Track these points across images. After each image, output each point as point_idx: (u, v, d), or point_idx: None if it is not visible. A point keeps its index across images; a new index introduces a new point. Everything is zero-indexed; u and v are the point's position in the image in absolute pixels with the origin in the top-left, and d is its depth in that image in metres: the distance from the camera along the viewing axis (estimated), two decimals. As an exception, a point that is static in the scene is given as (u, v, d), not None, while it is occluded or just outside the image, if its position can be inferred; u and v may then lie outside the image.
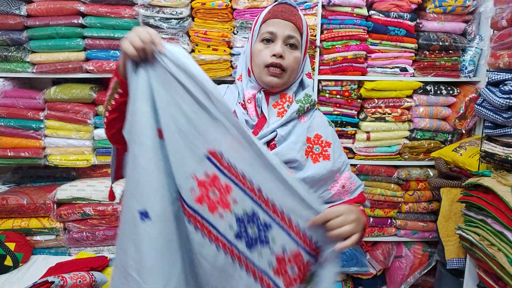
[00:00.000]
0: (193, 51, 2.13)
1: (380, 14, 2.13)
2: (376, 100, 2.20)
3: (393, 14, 2.13)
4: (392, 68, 2.20)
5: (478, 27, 2.23)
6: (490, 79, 1.66)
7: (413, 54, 2.20)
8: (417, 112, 2.24)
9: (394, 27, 2.14)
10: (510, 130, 1.57)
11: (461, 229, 1.75)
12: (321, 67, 2.17)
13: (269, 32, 1.02)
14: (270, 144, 1.03)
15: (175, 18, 2.05)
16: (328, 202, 1.07)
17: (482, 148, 1.72)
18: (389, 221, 2.37)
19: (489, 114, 1.64)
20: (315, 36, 2.12)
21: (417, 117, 2.25)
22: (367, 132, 2.24)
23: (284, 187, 0.90)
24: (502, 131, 1.61)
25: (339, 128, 2.25)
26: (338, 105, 2.22)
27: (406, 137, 2.29)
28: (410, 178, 2.29)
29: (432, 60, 2.19)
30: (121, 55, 0.89)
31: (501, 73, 1.60)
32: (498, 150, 1.64)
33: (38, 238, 2.11)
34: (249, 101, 1.07)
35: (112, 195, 1.18)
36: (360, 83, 2.23)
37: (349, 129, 2.25)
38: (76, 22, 2.07)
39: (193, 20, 2.12)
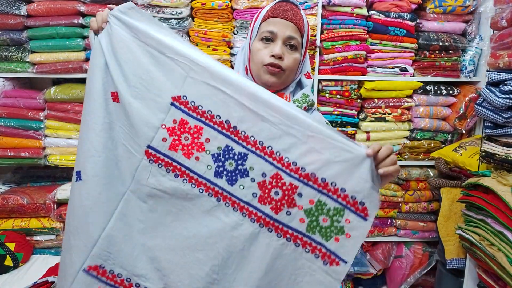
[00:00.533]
0: (193, 51, 2.13)
1: (380, 14, 2.13)
2: (376, 100, 2.20)
3: (393, 14, 2.13)
4: (392, 68, 2.20)
5: (478, 27, 2.23)
6: (490, 79, 1.66)
7: (413, 54, 2.20)
8: (417, 112, 2.24)
9: (394, 27, 2.14)
10: (510, 130, 1.57)
11: (461, 229, 1.75)
12: (321, 67, 2.17)
13: (270, 32, 1.01)
14: None
15: (175, 18, 2.05)
16: None
17: (482, 148, 1.72)
18: (389, 221, 2.37)
19: (489, 114, 1.64)
20: (315, 36, 2.12)
21: (417, 117, 2.25)
22: (367, 132, 2.24)
23: (255, 115, 0.90)
24: (502, 131, 1.61)
25: (339, 128, 2.25)
26: (338, 105, 2.22)
27: (406, 137, 2.29)
28: (410, 178, 2.29)
29: (432, 60, 2.19)
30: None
31: (501, 73, 1.60)
32: (498, 150, 1.64)
33: (38, 238, 2.11)
34: None
35: None
36: (360, 83, 2.23)
37: (349, 129, 2.25)
38: (76, 22, 2.07)
39: (193, 20, 2.12)
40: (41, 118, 2.13)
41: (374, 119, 2.22)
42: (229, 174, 0.92)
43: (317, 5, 2.10)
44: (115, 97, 0.96)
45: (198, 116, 0.93)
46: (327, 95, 2.20)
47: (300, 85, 1.14)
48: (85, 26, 2.10)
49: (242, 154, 0.91)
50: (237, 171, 0.92)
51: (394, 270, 2.44)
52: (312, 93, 1.17)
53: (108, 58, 0.96)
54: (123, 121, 0.97)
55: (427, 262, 2.40)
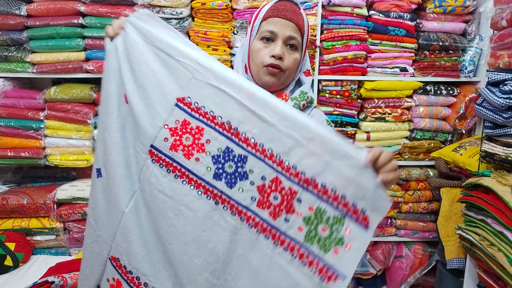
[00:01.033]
0: (193, 51, 2.13)
1: (380, 14, 2.13)
2: (376, 100, 2.20)
3: (393, 14, 2.13)
4: (392, 68, 2.20)
5: (478, 27, 2.23)
6: (490, 79, 1.66)
7: (413, 54, 2.20)
8: (417, 112, 2.24)
9: (394, 27, 2.14)
10: (510, 130, 1.57)
11: (461, 229, 1.75)
12: (321, 67, 2.17)
13: (270, 31, 1.01)
14: None
15: (175, 18, 2.05)
16: None
17: (482, 148, 1.72)
18: (389, 221, 2.37)
19: (489, 114, 1.64)
20: (315, 36, 2.12)
21: (417, 117, 2.25)
22: (367, 132, 2.24)
23: (255, 116, 0.88)
24: (502, 131, 1.61)
25: (339, 128, 2.25)
26: (338, 105, 2.22)
27: (406, 137, 2.29)
28: (410, 178, 2.29)
29: (432, 60, 2.19)
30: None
31: (501, 73, 1.60)
32: (498, 150, 1.64)
33: (38, 238, 2.11)
34: None
35: None
36: (360, 83, 2.23)
37: (349, 129, 2.25)
38: (76, 22, 2.07)
39: (193, 20, 2.12)
40: (41, 118, 2.13)
41: (374, 119, 2.22)
42: (228, 177, 0.91)
43: (317, 5, 2.10)
44: (126, 98, 1.00)
45: (200, 117, 0.93)
46: (327, 95, 2.20)
47: (299, 83, 1.13)
48: (85, 26, 2.10)
49: (242, 156, 0.90)
50: (236, 174, 0.90)
51: (394, 270, 2.44)
52: (312, 90, 1.17)
53: (121, 61, 0.99)
54: (130, 121, 0.99)
55: (427, 262, 2.39)
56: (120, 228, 1.01)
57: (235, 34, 2.12)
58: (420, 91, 2.22)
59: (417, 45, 2.17)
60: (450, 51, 2.19)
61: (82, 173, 2.33)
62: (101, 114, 1.05)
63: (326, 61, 2.16)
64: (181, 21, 2.06)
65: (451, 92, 2.22)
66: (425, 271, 2.39)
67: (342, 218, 0.84)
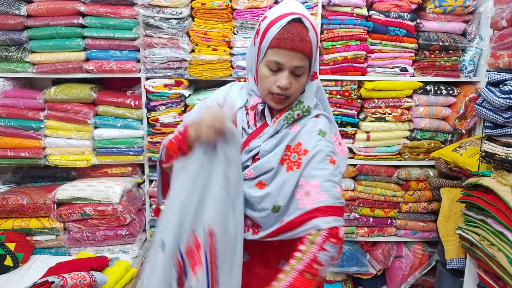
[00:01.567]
0: (193, 51, 2.13)
1: (380, 14, 2.13)
2: (376, 100, 2.20)
3: (393, 14, 2.13)
4: (392, 68, 2.20)
5: (478, 27, 2.23)
6: (490, 79, 1.66)
7: (413, 54, 2.20)
8: (417, 112, 2.24)
9: (394, 27, 2.14)
10: (510, 130, 1.57)
11: (461, 229, 1.75)
12: (321, 67, 2.17)
13: (276, 62, 0.99)
14: (254, 158, 1.06)
15: (175, 18, 2.05)
16: (295, 209, 1.01)
17: (482, 148, 1.72)
18: (389, 221, 2.37)
19: (489, 114, 1.64)
20: (315, 36, 2.12)
21: (417, 117, 2.25)
22: (367, 132, 2.24)
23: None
24: (502, 131, 1.61)
25: (339, 128, 2.24)
26: (338, 105, 2.22)
27: (406, 137, 2.29)
28: (410, 178, 2.29)
29: (432, 60, 2.19)
30: (195, 131, 0.99)
31: (501, 73, 1.60)
32: (498, 150, 1.64)
33: (38, 238, 2.11)
34: (252, 108, 1.08)
35: (157, 212, 1.26)
36: (360, 83, 2.23)
37: (349, 129, 2.25)
38: (76, 22, 2.07)
39: (193, 20, 2.12)
40: (41, 118, 2.13)
41: (374, 119, 2.22)
42: None
43: (317, 5, 2.10)
44: None
45: (209, 261, 0.99)
46: (327, 95, 2.20)
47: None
48: (85, 26, 2.10)
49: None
50: None
51: (394, 270, 2.44)
52: (322, 91, 1.16)
53: (201, 168, 1.01)
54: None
55: (427, 262, 2.39)
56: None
57: (235, 34, 2.12)
58: (420, 91, 2.22)
59: (417, 45, 2.17)
60: (450, 51, 2.19)
61: (82, 173, 2.33)
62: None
63: (326, 61, 2.16)
64: (181, 21, 2.06)
65: (451, 92, 2.22)
66: (425, 271, 2.39)
67: None
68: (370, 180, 2.30)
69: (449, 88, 2.22)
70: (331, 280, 2.40)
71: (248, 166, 1.05)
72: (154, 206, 2.31)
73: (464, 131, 2.23)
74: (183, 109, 2.18)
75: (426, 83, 2.21)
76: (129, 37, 2.10)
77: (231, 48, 2.13)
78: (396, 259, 2.44)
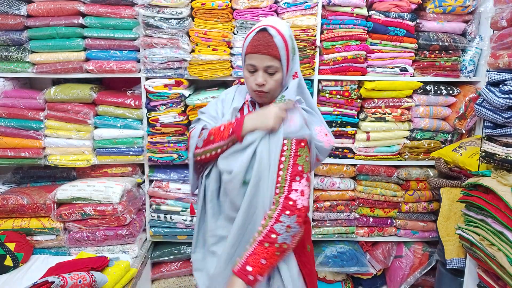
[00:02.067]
0: (193, 51, 2.13)
1: (380, 14, 2.14)
2: (376, 100, 2.20)
3: (393, 14, 2.13)
4: (392, 68, 2.20)
5: (478, 27, 2.23)
6: (490, 79, 1.66)
7: (413, 54, 2.21)
8: (417, 112, 2.24)
9: (394, 27, 2.14)
10: (510, 130, 1.57)
11: (461, 229, 1.75)
12: (321, 67, 2.17)
13: (251, 65, 1.22)
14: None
15: (175, 18, 2.05)
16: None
17: (482, 148, 1.72)
18: (389, 221, 2.37)
19: (489, 114, 1.64)
20: (315, 36, 2.13)
21: (417, 117, 2.25)
22: (367, 132, 2.24)
23: None
24: (502, 131, 1.61)
25: (339, 128, 2.25)
26: (338, 105, 2.22)
27: (406, 137, 2.29)
28: (410, 178, 2.30)
29: (432, 60, 2.19)
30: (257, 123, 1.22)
31: (501, 73, 1.60)
32: (498, 150, 1.64)
33: (38, 238, 2.11)
34: (246, 102, 1.36)
35: (193, 210, 1.46)
36: (360, 83, 2.23)
37: (349, 129, 2.26)
38: (76, 22, 2.07)
39: (193, 20, 2.12)
40: (41, 118, 2.13)
41: (374, 119, 2.22)
42: None
43: (317, 5, 2.10)
44: None
45: None
46: (327, 95, 2.20)
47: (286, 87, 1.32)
48: (85, 26, 2.10)
49: None
50: None
51: (394, 270, 2.44)
52: (309, 89, 1.32)
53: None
54: None
55: (427, 262, 2.40)
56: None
57: (235, 34, 2.12)
58: (420, 91, 2.22)
59: (417, 45, 2.17)
60: (450, 51, 2.19)
61: (82, 173, 2.33)
62: None
63: (326, 61, 2.16)
64: (181, 21, 2.06)
65: (451, 92, 2.22)
66: (425, 271, 2.40)
67: None
68: (370, 180, 2.31)
69: (449, 88, 2.22)
70: (331, 280, 2.40)
71: None
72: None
73: (464, 131, 2.23)
74: (183, 109, 2.17)
75: (426, 83, 2.21)
76: (129, 37, 2.10)
77: (231, 48, 2.13)
78: (396, 259, 2.44)
